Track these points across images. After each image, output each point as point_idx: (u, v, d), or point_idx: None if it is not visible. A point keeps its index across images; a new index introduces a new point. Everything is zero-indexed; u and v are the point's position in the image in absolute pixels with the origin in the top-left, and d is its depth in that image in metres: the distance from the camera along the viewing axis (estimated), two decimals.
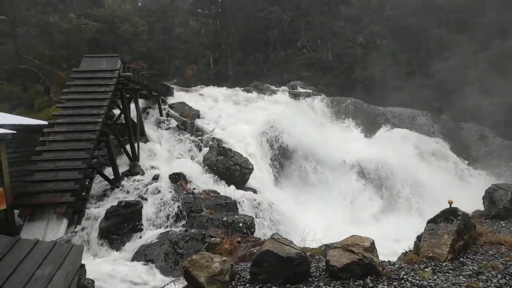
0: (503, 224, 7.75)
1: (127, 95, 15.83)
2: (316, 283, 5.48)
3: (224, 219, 10.52)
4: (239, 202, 12.21)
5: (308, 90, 27.88)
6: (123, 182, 12.64)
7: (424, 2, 27.08)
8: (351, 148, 18.47)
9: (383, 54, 30.35)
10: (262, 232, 11.75)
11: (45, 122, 12.32)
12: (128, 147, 14.25)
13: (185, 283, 5.95)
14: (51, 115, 13.24)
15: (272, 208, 13.03)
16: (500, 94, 18.95)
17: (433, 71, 24.45)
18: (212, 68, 38.92)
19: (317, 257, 6.59)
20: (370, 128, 20.57)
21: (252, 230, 10.62)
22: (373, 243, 5.85)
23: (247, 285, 5.57)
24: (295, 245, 5.66)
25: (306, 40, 37.79)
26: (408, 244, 7.15)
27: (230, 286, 5.61)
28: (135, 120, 15.55)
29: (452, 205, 6.86)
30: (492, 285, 5.10)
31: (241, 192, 13.21)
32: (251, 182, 15.04)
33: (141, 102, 19.61)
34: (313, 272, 5.90)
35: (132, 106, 15.92)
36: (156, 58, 38.28)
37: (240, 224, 10.42)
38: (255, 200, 12.82)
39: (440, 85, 23.98)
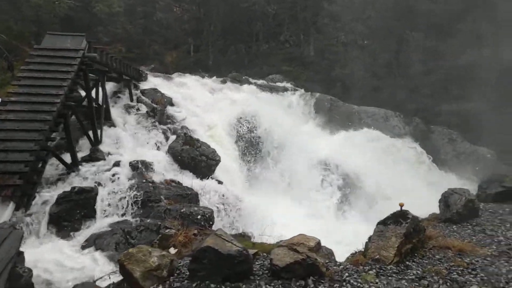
0: (455, 228, 7.77)
1: (95, 77, 15.23)
2: (257, 281, 5.29)
3: (182, 210, 10.17)
4: (201, 194, 11.90)
5: (287, 85, 27.71)
6: (81, 167, 12.08)
7: (404, 6, 27.23)
8: (321, 145, 18.41)
9: (364, 53, 30.42)
10: (223, 225, 11.53)
11: None
12: (91, 131, 13.70)
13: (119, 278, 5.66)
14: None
15: (236, 200, 12.79)
16: (471, 100, 19.28)
17: (411, 74, 24.65)
18: (192, 55, 38.11)
19: (265, 254, 6.39)
20: (343, 126, 20.56)
21: (211, 222, 10.32)
22: (318, 243, 5.70)
23: (185, 281, 5.33)
24: (237, 242, 5.42)
25: (289, 34, 37.51)
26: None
27: (168, 282, 5.34)
28: (102, 104, 14.97)
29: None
30: None
31: (206, 183, 12.90)
32: (218, 174, 14.72)
33: (111, 85, 18.97)
34: (257, 270, 5.70)
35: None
36: (135, 42, 37.11)
37: (199, 216, 10.09)
38: (219, 192, 12.54)
39: (416, 88, 24.21)
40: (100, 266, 8.42)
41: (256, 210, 12.85)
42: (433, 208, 9.67)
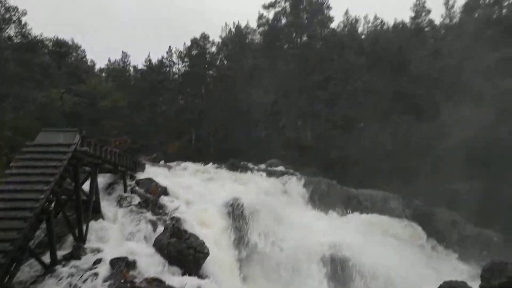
0: None
1: (87, 169, 15.44)
2: None
3: None
4: None
5: (284, 169, 27.85)
6: (60, 267, 11.52)
7: (395, 90, 28.73)
8: (320, 231, 17.66)
9: (360, 137, 31.08)
10: None
11: None
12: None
13: None
14: None
15: None
16: (471, 181, 18.95)
17: (407, 156, 24.82)
18: (193, 144, 39.30)
19: None
20: (341, 210, 20.01)
21: None
22: None
23: None
24: None
25: (287, 120, 38.92)
26: None
27: None
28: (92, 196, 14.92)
29: None
30: None
31: (191, 281, 12.10)
32: (208, 267, 13.87)
33: (107, 177, 19.21)
34: None
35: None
36: (141, 133, 38.91)
37: None
38: None
39: (414, 169, 24.13)
40: None
41: None
42: None
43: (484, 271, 9.67)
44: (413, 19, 39.49)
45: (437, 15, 42.81)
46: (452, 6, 34.56)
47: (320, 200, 21.45)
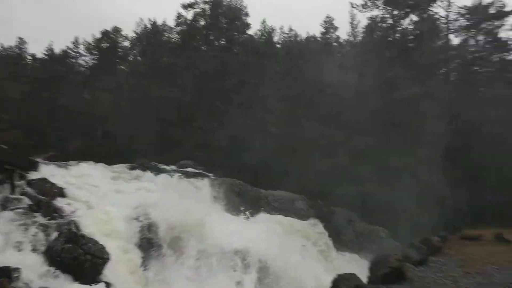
0: None
1: None
2: None
3: None
4: None
5: (197, 170, 27.59)
6: None
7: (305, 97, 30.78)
8: (229, 231, 17.83)
9: (272, 140, 32.34)
10: None
11: None
12: None
13: None
14: None
15: None
16: (361, 183, 21.09)
17: (313, 160, 26.61)
18: (101, 142, 36.62)
19: None
20: (252, 210, 20.54)
21: None
22: None
23: None
24: None
25: (202, 121, 38.65)
26: None
27: None
28: None
29: None
30: None
31: None
32: (109, 274, 13.00)
33: None
34: None
35: None
36: (37, 128, 34.95)
37: None
38: None
39: (319, 171, 25.93)
40: None
41: None
42: None
43: (371, 264, 10.81)
44: (323, 34, 42.55)
45: (343, 32, 46.62)
46: (356, 26, 38.11)
47: (231, 201, 21.65)
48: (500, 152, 23.90)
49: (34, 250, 12.57)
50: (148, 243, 16.17)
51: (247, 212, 21.15)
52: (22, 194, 16.46)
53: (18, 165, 17.63)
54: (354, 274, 8.94)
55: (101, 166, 23.46)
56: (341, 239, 19.34)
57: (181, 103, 38.38)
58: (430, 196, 20.99)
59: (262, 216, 20.69)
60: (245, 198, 22.30)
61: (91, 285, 11.55)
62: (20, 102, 30.44)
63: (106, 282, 12.31)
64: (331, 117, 28.29)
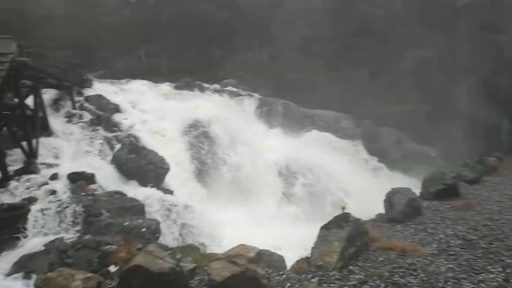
0: (399, 228, 7.83)
1: (29, 83, 14.08)
2: None
3: (125, 224, 9.55)
4: (147, 205, 11.27)
5: (241, 90, 27.58)
6: (14, 182, 11.04)
7: (349, 12, 28.40)
8: (275, 148, 18.33)
9: (316, 58, 31.00)
10: (171, 237, 11.00)
11: None
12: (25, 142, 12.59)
13: None
14: None
15: (186, 210, 12.26)
16: (414, 102, 20.18)
17: (359, 77, 25.44)
18: (144, 61, 36.92)
19: (206, 268, 6.03)
20: (297, 129, 20.69)
21: (157, 235, 9.78)
22: (258, 253, 5.44)
23: None
24: (170, 259, 5.02)
25: (243, 40, 37.45)
26: None
27: None
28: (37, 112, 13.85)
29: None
30: None
31: (154, 193, 12.27)
32: (169, 182, 14.14)
33: (52, 92, 17.75)
34: (195, 286, 5.32)
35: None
36: (83, 47, 35.49)
37: (143, 229, 9.51)
38: (167, 202, 11.97)
39: (364, 90, 25.00)
40: None
41: (208, 220, 12.40)
42: (381, 208, 9.79)
43: (425, 180, 10.86)
44: None
45: None
46: None
47: (276, 119, 21.86)
48: None
49: (102, 158, 13.71)
50: (200, 155, 17.10)
51: (291, 130, 21.45)
52: (82, 109, 17.50)
53: (74, 82, 18.42)
54: (409, 189, 9.08)
55: (149, 84, 23.93)
56: (388, 159, 19.32)
57: (220, 22, 36.93)
58: (483, 119, 19.94)
59: (307, 134, 20.90)
60: (290, 117, 22.37)
61: (156, 190, 12.61)
62: (62, 19, 30.49)
63: (167, 189, 13.40)
64: (380, 32, 26.22)
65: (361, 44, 25.83)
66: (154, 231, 9.75)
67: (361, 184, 15.62)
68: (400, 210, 8.01)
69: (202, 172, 16.69)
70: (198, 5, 36.69)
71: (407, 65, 21.22)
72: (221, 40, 37.29)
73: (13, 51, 11.93)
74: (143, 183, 13.01)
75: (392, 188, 8.87)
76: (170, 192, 13.34)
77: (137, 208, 10.83)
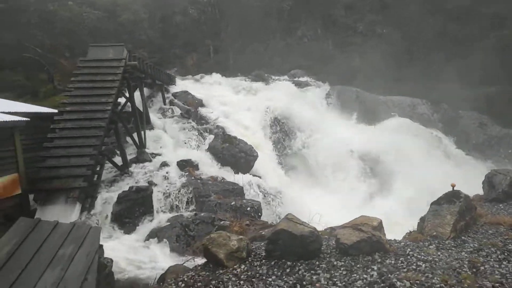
0: (502, 207, 8.13)
1: (133, 84, 16.08)
2: (327, 259, 5.87)
3: (232, 203, 10.88)
4: (245, 188, 12.56)
5: (309, 79, 28.09)
6: (132, 169, 12.95)
7: None
8: (352, 136, 18.77)
9: (383, 42, 30.42)
10: (269, 216, 12.18)
11: (55, 110, 12.50)
12: (135, 134, 14.54)
13: (202, 260, 6.33)
14: (58, 103, 13.43)
15: (278, 192, 13.45)
16: (498, 84, 19.22)
17: (432, 60, 24.64)
18: (212, 56, 38.87)
19: (326, 237, 6.98)
20: (371, 117, 20.84)
21: (260, 214, 11.00)
22: (380, 223, 6.23)
23: (263, 261, 5.95)
24: (308, 224, 6.02)
25: (306, 29, 37.75)
26: (408, 226, 7.53)
27: (247, 262, 5.98)
28: (141, 109, 15.81)
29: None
30: (492, 260, 5.51)
31: (248, 178, 13.57)
32: (257, 168, 15.38)
33: (145, 91, 19.90)
34: (324, 249, 6.28)
35: (137, 94, 16.17)
36: (156, 46, 38.23)
37: (248, 208, 10.78)
38: (260, 185, 13.19)
39: (439, 74, 24.18)
40: (166, 255, 9.18)
41: (295, 201, 13.43)
42: (467, 191, 9.97)
43: None
44: None
45: None
46: None
47: (350, 106, 22.12)
48: None
49: (198, 148, 15.32)
50: (280, 143, 18.16)
51: (365, 118, 21.63)
52: (171, 104, 19.42)
53: (164, 80, 20.40)
54: (510, 170, 9.19)
55: (224, 79, 25.43)
56: (470, 144, 18.79)
57: (282, 12, 37.51)
58: None
59: (382, 121, 20.96)
60: (363, 104, 22.51)
61: (248, 175, 13.92)
62: (141, 23, 33.23)
63: (256, 175, 14.65)
64: (458, 11, 24.98)
65: (436, 24, 24.81)
66: (257, 209, 10.98)
67: (446, 169, 15.57)
68: (502, 189, 8.28)
69: (283, 159, 17.78)
70: None
71: (489, 44, 20.14)
72: (284, 31, 37.93)
73: (125, 56, 13.84)
74: (236, 169, 14.38)
75: (492, 170, 9.13)
76: (259, 177, 14.58)
77: (238, 191, 12.17)
